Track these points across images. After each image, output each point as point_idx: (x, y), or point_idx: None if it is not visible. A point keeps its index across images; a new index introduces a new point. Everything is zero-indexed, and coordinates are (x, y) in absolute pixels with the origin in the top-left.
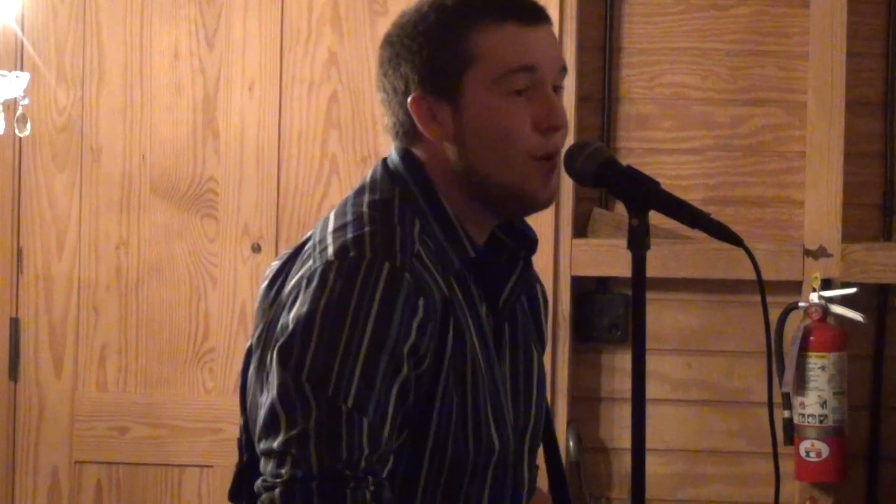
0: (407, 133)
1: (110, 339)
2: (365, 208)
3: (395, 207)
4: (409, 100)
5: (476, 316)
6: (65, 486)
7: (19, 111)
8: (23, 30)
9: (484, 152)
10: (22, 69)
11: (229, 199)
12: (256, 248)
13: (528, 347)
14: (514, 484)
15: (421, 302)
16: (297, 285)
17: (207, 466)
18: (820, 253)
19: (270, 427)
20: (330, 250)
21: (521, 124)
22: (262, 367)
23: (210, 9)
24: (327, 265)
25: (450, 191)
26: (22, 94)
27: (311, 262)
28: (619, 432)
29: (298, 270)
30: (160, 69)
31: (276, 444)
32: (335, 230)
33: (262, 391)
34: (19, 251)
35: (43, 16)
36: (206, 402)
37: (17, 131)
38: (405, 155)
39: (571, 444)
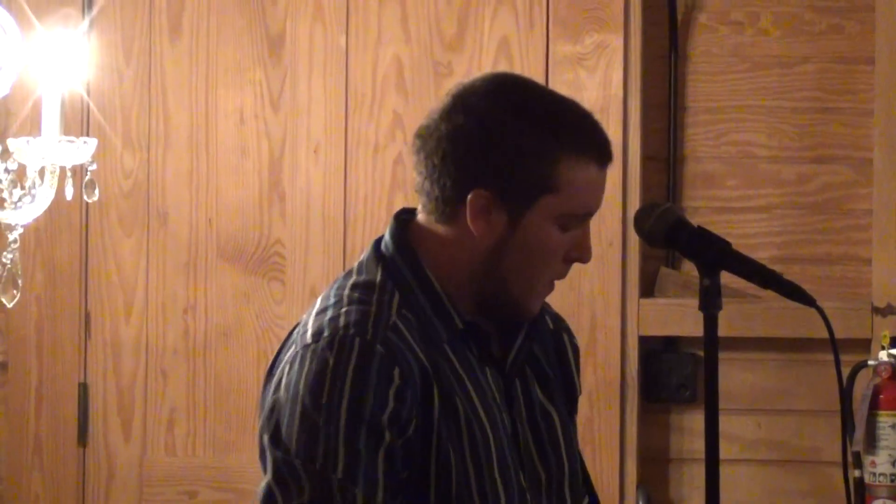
0: (443, 212)
1: (179, 403)
2: (347, 291)
3: (375, 284)
4: (472, 193)
5: (475, 378)
6: None
7: (87, 176)
8: (89, 94)
9: (516, 265)
10: (88, 134)
11: (296, 262)
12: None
13: (550, 403)
14: None
15: (396, 371)
16: (281, 370)
17: None
18: (888, 311)
19: None
20: (308, 334)
21: (558, 254)
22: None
23: (275, 72)
24: (304, 348)
25: (452, 276)
26: (90, 160)
27: (293, 346)
28: (688, 493)
29: (284, 356)
30: (225, 132)
31: None
32: (317, 314)
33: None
34: (87, 316)
35: (109, 80)
36: None
37: (85, 197)
38: (399, 237)
39: None
